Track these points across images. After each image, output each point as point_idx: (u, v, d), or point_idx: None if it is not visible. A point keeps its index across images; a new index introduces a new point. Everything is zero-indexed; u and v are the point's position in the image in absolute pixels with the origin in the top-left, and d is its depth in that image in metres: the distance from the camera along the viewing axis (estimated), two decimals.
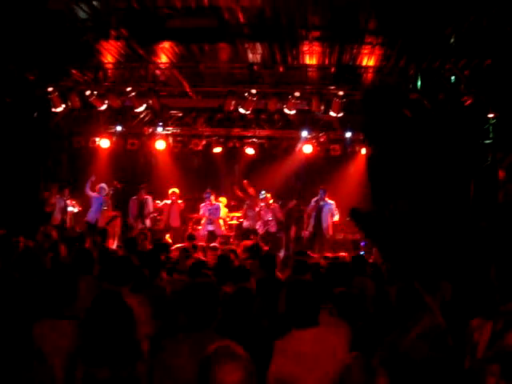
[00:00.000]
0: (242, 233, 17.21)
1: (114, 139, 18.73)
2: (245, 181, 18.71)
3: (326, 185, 17.38)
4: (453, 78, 13.37)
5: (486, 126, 13.42)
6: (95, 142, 18.69)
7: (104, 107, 15.19)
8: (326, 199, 16.79)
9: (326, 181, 18.02)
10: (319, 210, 16.66)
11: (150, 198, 17.63)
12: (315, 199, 16.86)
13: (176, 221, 17.56)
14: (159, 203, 17.95)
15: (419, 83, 13.54)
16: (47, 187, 17.83)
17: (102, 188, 17.17)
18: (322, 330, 4.31)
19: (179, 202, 17.66)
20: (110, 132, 18.71)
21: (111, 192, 17.25)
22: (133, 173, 19.68)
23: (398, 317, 4.17)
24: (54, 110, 15.01)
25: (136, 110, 15.28)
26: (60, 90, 14.92)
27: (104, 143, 18.58)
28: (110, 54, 14.28)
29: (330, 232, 16.73)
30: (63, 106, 14.99)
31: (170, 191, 17.64)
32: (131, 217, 17.47)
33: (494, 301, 3.71)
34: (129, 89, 14.83)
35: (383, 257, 9.12)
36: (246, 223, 17.64)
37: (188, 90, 15.57)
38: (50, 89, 14.74)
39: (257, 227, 17.15)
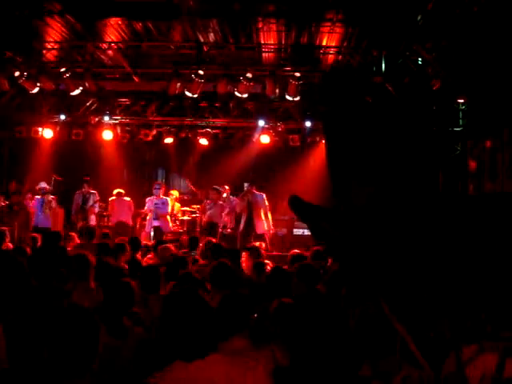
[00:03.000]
0: (204, 228, 15.88)
1: (57, 129, 17.53)
2: (187, 180, 17.94)
3: (284, 176, 16.30)
4: (419, 59, 12.35)
5: (455, 112, 12.53)
6: (38, 132, 17.44)
7: (36, 90, 13.85)
8: (255, 192, 15.62)
9: (285, 172, 16.93)
10: (249, 204, 15.49)
11: (95, 192, 16.35)
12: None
13: (125, 218, 16.31)
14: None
15: (383, 66, 12.49)
16: None
17: (40, 188, 15.79)
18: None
19: (127, 199, 16.40)
20: (53, 121, 17.49)
21: (51, 188, 15.86)
22: (78, 165, 18.42)
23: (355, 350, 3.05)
24: None
25: (72, 94, 13.96)
26: None
27: (47, 133, 17.42)
28: (46, 32, 12.99)
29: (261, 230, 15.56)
30: None
31: (115, 192, 16.41)
32: (73, 212, 16.17)
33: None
34: (63, 69, 13.54)
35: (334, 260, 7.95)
36: (206, 218, 16.35)
37: (130, 71, 14.33)
38: None
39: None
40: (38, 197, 15.69)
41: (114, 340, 4.68)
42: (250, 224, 15.25)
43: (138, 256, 10.02)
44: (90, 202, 16.05)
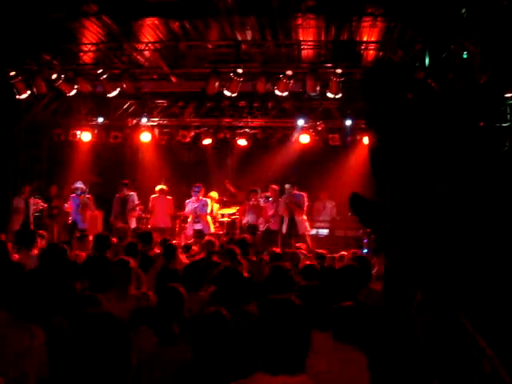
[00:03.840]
0: (243, 230, 15.64)
1: (95, 132, 17.51)
2: (226, 181, 17.75)
3: (324, 176, 15.96)
4: (464, 53, 11.91)
5: (502, 108, 12.07)
6: (76, 135, 17.42)
7: (73, 92, 13.73)
8: (295, 192, 15.31)
9: (325, 172, 16.58)
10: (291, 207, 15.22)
11: (134, 195, 16.20)
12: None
13: (165, 220, 16.13)
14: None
15: (427, 60, 12.08)
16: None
17: (76, 188, 15.69)
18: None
19: (168, 197, 16.25)
20: (91, 124, 17.48)
21: (87, 189, 15.74)
22: (116, 168, 18.42)
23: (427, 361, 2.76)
24: (18, 97, 13.54)
25: (109, 95, 13.77)
26: (24, 74, 13.44)
27: (85, 136, 17.39)
28: (82, 34, 12.90)
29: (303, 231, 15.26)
30: (28, 92, 13.52)
31: (157, 188, 16.24)
32: (112, 215, 16.05)
33: None
34: (99, 71, 13.41)
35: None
36: (246, 219, 16.11)
37: (168, 72, 14.15)
38: (13, 73, 13.26)
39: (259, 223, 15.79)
40: (73, 195, 15.61)
41: (164, 347, 4.50)
42: (292, 225, 14.98)
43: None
44: (130, 205, 15.92)
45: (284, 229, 15.13)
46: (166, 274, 6.76)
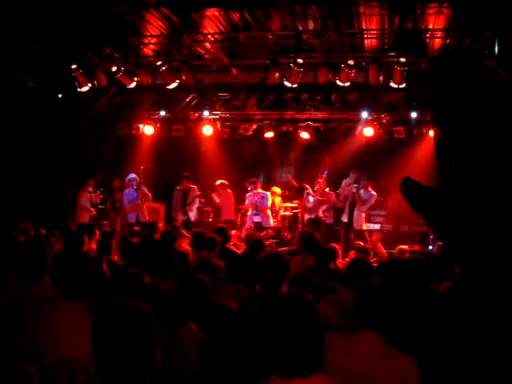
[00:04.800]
0: (307, 225, 15.37)
1: (158, 125, 17.50)
2: (289, 175, 17.56)
3: (389, 170, 15.49)
4: None
5: None
6: (139, 128, 17.46)
7: (133, 85, 13.71)
8: (369, 188, 14.93)
9: (390, 167, 16.09)
10: (355, 198, 14.84)
11: (195, 188, 16.20)
12: (351, 184, 15.06)
13: (229, 213, 16.10)
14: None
15: (496, 48, 11.52)
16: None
17: (129, 180, 15.60)
18: None
19: (229, 191, 16.22)
20: (154, 118, 17.50)
21: (141, 179, 15.62)
22: (179, 161, 18.46)
23: None
24: (79, 90, 13.60)
25: (168, 87, 13.68)
26: (85, 67, 13.49)
27: (148, 130, 17.41)
28: (142, 27, 12.86)
29: (359, 226, 14.87)
30: (89, 85, 13.57)
31: (218, 182, 16.19)
32: (173, 208, 16.06)
33: None
34: (159, 63, 13.34)
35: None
36: (308, 215, 15.82)
37: (228, 63, 13.98)
38: (74, 66, 13.32)
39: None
40: (127, 190, 15.48)
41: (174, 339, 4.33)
42: (351, 218, 14.70)
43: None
44: (190, 198, 15.89)
45: (345, 220, 14.93)
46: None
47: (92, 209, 15.50)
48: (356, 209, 14.69)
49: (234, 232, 13.69)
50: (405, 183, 2.74)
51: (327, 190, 15.62)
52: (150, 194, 15.42)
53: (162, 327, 4.41)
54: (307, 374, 2.71)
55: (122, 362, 2.59)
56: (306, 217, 15.66)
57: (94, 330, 2.66)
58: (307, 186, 15.69)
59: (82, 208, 15.24)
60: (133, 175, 15.60)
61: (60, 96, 13.68)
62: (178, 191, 16.15)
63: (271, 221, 15.80)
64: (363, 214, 14.85)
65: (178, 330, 4.47)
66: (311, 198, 15.44)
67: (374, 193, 14.92)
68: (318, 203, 15.37)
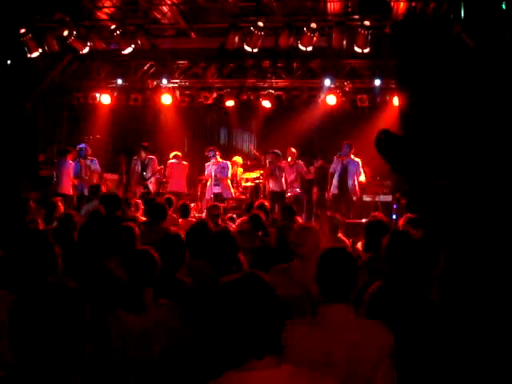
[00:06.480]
0: (270, 197, 15.02)
1: (115, 94, 16.96)
2: (250, 145, 17.46)
3: (352, 140, 15.23)
4: (503, 4, 11.08)
5: None
6: (96, 97, 16.98)
7: (86, 50, 13.11)
8: (352, 156, 14.67)
9: (353, 135, 15.83)
10: (343, 168, 14.54)
11: (154, 159, 15.81)
12: (338, 155, 14.74)
13: (180, 185, 15.66)
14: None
15: (463, 12, 11.24)
16: (45, 149, 16.25)
17: (78, 151, 15.17)
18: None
19: (184, 163, 15.79)
20: (110, 87, 16.97)
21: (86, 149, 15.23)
22: (137, 131, 17.99)
23: None
24: (29, 55, 12.97)
25: (123, 52, 13.14)
26: (35, 32, 12.85)
27: (105, 99, 16.90)
28: None
29: (358, 194, 14.67)
30: (40, 50, 12.95)
31: (172, 155, 15.80)
32: (133, 180, 15.64)
33: None
34: (113, 27, 12.80)
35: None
36: (272, 185, 15.45)
37: (186, 27, 13.47)
38: (23, 31, 12.68)
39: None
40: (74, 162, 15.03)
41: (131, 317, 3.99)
42: (342, 189, 14.43)
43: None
44: (150, 171, 15.50)
45: (332, 191, 14.70)
46: None
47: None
48: (349, 179, 14.55)
49: (193, 204, 13.38)
50: (380, 140, 2.42)
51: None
52: (94, 166, 15.01)
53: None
54: (262, 357, 2.38)
55: (42, 353, 2.18)
56: (270, 187, 15.36)
57: (10, 315, 2.24)
58: (279, 152, 15.35)
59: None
60: (82, 145, 15.24)
61: (9, 62, 12.99)
62: (136, 161, 15.73)
63: (232, 191, 15.45)
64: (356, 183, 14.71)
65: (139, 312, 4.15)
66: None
67: (358, 159, 14.77)
68: (287, 173, 15.10)
